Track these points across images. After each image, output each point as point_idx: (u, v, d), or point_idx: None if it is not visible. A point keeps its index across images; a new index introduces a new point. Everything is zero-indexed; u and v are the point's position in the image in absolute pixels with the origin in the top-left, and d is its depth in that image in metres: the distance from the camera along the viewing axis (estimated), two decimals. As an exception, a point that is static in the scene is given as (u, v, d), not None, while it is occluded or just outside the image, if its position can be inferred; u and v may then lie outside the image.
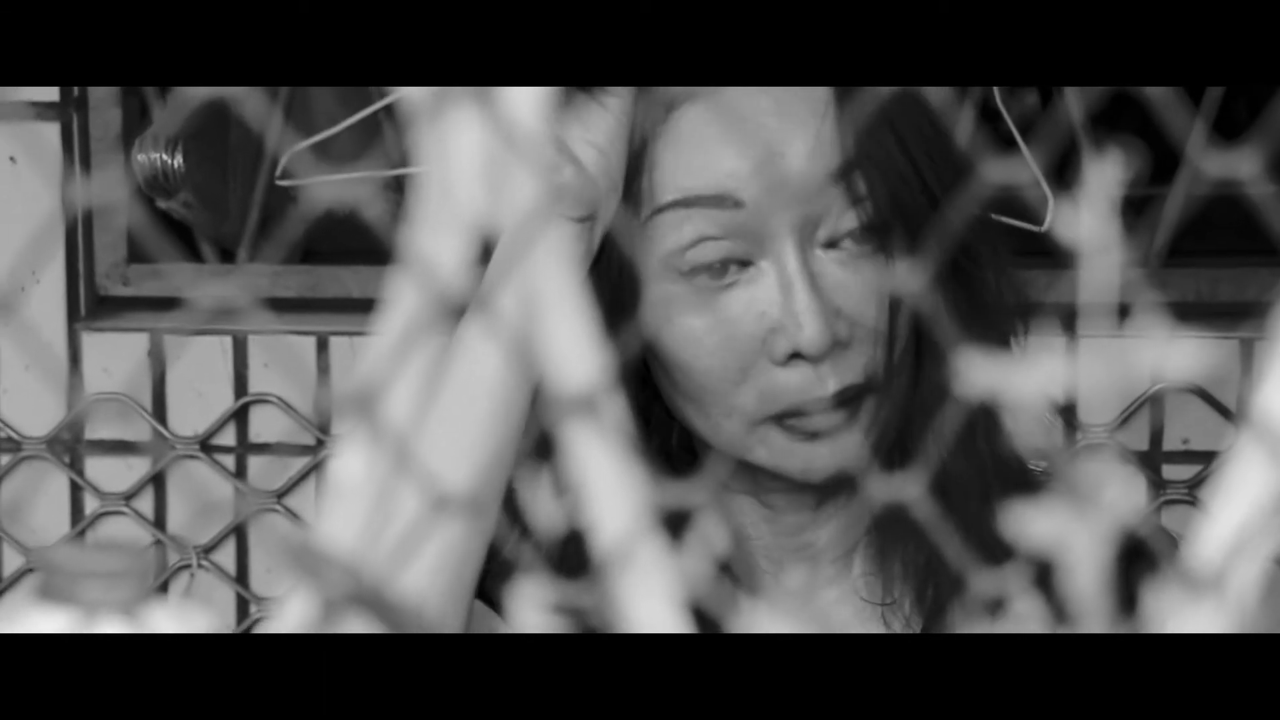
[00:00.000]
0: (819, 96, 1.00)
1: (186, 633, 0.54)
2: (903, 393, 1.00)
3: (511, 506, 0.96)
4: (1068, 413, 1.58)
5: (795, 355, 0.98)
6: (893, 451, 1.02)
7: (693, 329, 1.00)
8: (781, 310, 0.98)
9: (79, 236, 1.61)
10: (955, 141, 1.05)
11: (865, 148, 0.99)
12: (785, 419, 0.99)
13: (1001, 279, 1.05)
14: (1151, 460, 1.59)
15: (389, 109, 1.60)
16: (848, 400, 0.99)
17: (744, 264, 0.99)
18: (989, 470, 1.03)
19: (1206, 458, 1.58)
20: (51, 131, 1.57)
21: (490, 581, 0.99)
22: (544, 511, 0.48)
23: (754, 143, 0.99)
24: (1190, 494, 1.58)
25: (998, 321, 1.04)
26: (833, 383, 0.99)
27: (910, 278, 0.51)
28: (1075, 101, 1.63)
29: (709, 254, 0.99)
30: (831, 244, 0.99)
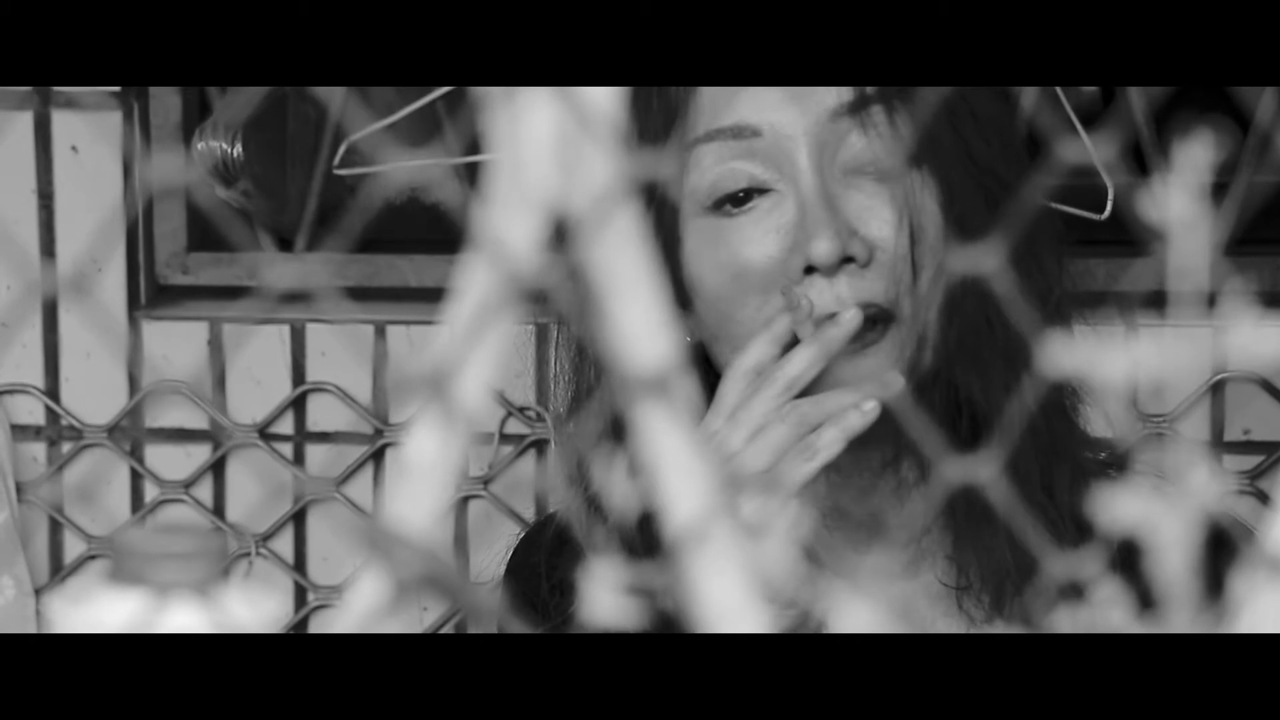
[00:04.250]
0: None
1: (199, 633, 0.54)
2: (933, 326, 1.02)
3: (585, 488, 0.96)
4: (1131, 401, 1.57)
5: (810, 270, 1.01)
6: (934, 391, 1.02)
7: (719, 258, 1.04)
8: (796, 226, 1.02)
9: (139, 225, 1.61)
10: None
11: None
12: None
13: (1058, 264, 1.06)
14: (1213, 451, 1.57)
15: (446, 98, 1.60)
16: (867, 321, 1.01)
17: (764, 191, 1.03)
18: (1060, 452, 1.03)
19: (1268, 448, 1.57)
20: (113, 120, 1.58)
21: (564, 564, 0.99)
22: (618, 493, 0.48)
23: None
24: (1252, 485, 1.57)
25: (1055, 306, 1.05)
26: (848, 298, 1.01)
27: (978, 255, 0.50)
28: (1137, 91, 1.62)
29: (732, 182, 1.03)
30: (853, 171, 1.03)
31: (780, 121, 1.03)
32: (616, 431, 0.93)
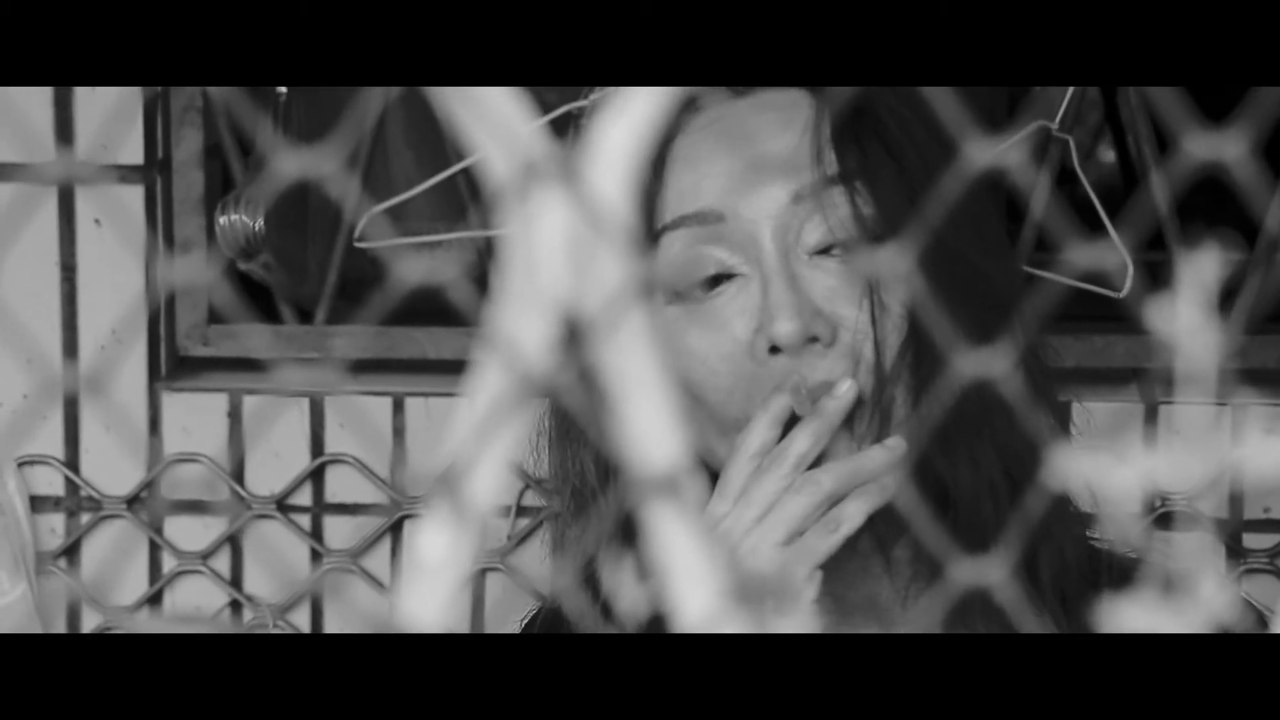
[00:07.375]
0: (807, 114, 1.04)
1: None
2: (900, 403, 1.02)
3: (594, 589, 0.96)
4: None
5: (774, 350, 1.02)
6: (915, 477, 1.02)
7: (692, 345, 1.04)
8: (760, 308, 1.03)
9: (160, 298, 1.62)
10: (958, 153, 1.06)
11: (851, 162, 1.03)
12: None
13: (1038, 348, 1.06)
14: (1232, 529, 1.57)
15: (466, 171, 1.61)
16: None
17: (732, 276, 1.05)
18: (1042, 531, 1.04)
19: (1288, 527, 1.56)
20: (135, 194, 1.59)
21: None
22: (627, 594, 0.48)
23: (734, 158, 1.04)
24: (1272, 563, 1.56)
25: (1032, 381, 1.05)
26: (811, 377, 1.01)
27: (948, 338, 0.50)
28: (1159, 174, 1.62)
29: (699, 268, 1.05)
30: (819, 252, 1.04)
31: (743, 206, 1.04)
32: (626, 532, 0.94)
